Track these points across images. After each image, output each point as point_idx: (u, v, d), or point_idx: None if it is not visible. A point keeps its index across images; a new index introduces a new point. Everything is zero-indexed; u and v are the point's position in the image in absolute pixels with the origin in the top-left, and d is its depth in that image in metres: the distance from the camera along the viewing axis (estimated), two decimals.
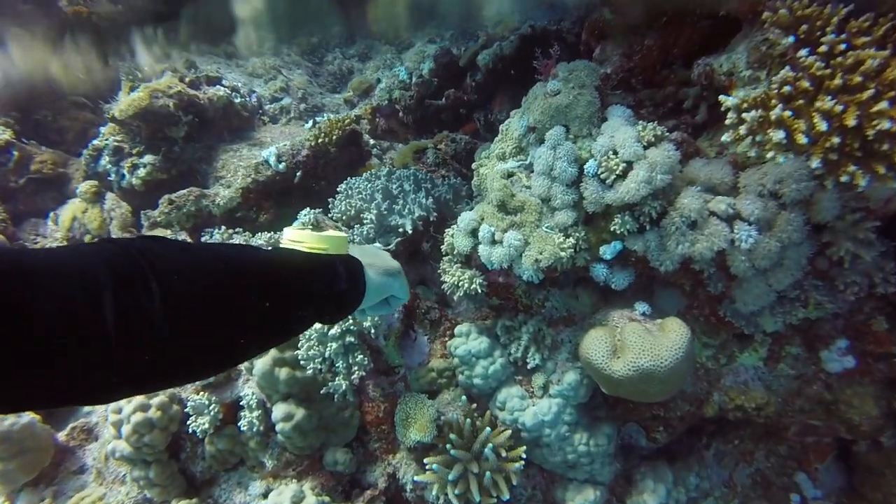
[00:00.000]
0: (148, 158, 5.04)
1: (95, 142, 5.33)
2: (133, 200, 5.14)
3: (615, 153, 2.79)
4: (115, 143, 5.08)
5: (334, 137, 5.22)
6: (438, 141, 5.43)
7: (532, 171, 3.17)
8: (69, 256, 0.70)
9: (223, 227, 4.64)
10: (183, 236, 4.81)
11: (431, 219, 3.65)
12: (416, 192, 3.75)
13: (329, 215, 3.91)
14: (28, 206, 5.69)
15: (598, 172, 2.84)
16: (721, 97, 2.40)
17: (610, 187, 2.84)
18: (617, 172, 2.76)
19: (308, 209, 3.83)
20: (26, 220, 5.54)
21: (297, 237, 1.30)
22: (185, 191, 4.75)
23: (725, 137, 2.39)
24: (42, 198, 5.75)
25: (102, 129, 5.46)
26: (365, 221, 3.58)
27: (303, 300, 1.05)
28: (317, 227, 3.70)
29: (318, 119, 5.79)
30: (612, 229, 2.90)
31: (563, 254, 2.93)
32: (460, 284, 3.19)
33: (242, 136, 5.58)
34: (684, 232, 2.76)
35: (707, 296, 3.08)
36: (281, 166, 5.01)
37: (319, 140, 5.16)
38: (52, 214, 5.25)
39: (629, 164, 2.77)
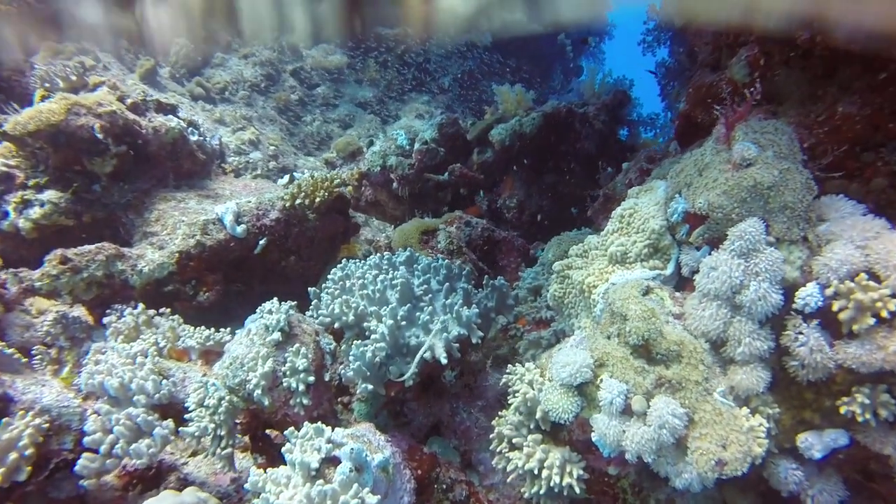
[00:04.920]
0: (50, 195, 3.42)
1: None
2: (15, 252, 3.45)
3: (875, 278, 1.50)
4: (4, 169, 3.46)
5: (317, 200, 3.79)
6: (449, 222, 4.08)
7: (679, 290, 1.83)
8: None
9: (140, 306, 3.04)
10: (77, 312, 3.14)
11: (474, 341, 2.22)
12: (450, 295, 2.34)
13: (310, 315, 2.41)
14: None
15: (832, 308, 1.53)
16: None
17: (853, 338, 1.53)
18: (883, 314, 1.46)
19: (276, 303, 2.32)
20: None
21: None
22: (91, 246, 3.13)
23: None
24: None
25: None
26: (373, 335, 2.10)
27: None
28: (288, 334, 2.19)
29: (296, 175, 4.40)
30: (841, 410, 1.56)
31: (758, 450, 1.54)
32: (544, 475, 1.72)
33: (193, 183, 4.05)
34: None
35: None
36: (239, 229, 3.51)
37: (297, 201, 3.72)
38: None
39: None
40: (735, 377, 1.61)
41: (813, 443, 1.61)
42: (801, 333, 1.55)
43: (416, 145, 5.31)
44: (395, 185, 5.35)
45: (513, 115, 5.68)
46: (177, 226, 3.52)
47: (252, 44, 8.04)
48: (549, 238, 3.89)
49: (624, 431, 1.55)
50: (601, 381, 1.63)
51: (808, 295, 1.54)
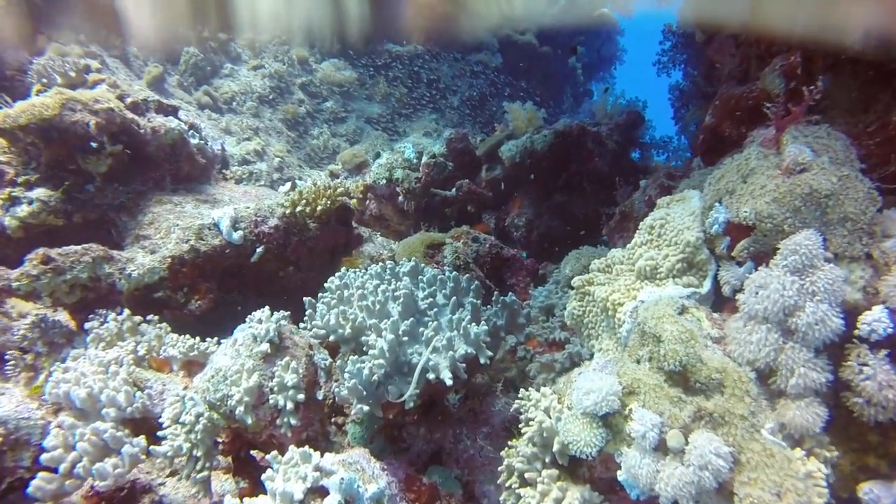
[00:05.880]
0: (39, 193, 3.24)
1: None
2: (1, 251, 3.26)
3: None
4: None
5: (318, 208, 3.61)
6: (456, 237, 3.88)
7: (717, 311, 1.62)
8: None
9: (125, 312, 2.84)
10: (59, 316, 2.93)
11: (482, 361, 2.00)
12: (458, 311, 2.13)
13: (303, 326, 2.20)
14: None
15: None
16: None
17: None
18: None
19: (266, 311, 2.12)
20: None
21: None
22: (77, 247, 2.94)
23: None
24: None
25: None
26: (371, 350, 1.89)
27: None
28: (278, 346, 1.98)
29: (298, 182, 4.23)
30: None
31: (818, 501, 1.31)
32: None
33: (191, 188, 3.87)
34: None
35: None
36: (236, 236, 3.31)
37: (298, 209, 3.54)
38: None
39: None
40: (787, 413, 1.38)
41: (879, 495, 1.38)
42: (865, 365, 1.33)
43: (424, 159, 5.14)
44: (400, 198, 5.17)
45: (523, 132, 5.52)
46: (171, 230, 3.33)
47: (261, 55, 7.96)
48: (558, 259, 3.68)
49: (658, 471, 1.32)
50: (630, 411, 1.40)
51: (875, 320, 1.33)
